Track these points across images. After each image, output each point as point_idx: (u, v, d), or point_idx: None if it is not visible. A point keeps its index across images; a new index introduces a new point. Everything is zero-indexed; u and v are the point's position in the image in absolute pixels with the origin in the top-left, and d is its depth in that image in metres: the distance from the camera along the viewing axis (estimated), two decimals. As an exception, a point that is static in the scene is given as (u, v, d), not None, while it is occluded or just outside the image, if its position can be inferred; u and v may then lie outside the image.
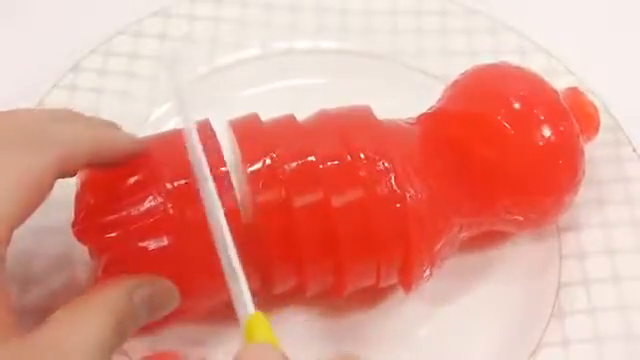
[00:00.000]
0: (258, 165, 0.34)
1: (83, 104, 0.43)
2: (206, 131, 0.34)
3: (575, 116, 0.37)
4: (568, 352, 0.36)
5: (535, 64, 0.43)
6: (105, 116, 0.42)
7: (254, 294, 0.35)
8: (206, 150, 0.29)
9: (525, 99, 0.36)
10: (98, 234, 0.32)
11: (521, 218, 0.37)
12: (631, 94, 0.44)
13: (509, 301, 0.38)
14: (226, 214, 0.28)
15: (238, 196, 0.36)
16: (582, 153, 0.37)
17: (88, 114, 0.41)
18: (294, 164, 0.34)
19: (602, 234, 0.39)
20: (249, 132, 0.35)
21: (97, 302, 0.29)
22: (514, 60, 0.42)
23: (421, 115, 0.38)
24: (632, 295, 0.37)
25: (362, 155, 0.34)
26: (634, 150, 0.41)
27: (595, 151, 0.41)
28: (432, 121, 0.38)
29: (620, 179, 0.41)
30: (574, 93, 0.39)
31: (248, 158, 0.34)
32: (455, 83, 0.39)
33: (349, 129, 0.35)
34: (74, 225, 0.32)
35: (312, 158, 0.34)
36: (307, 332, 0.37)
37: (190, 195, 0.32)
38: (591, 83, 0.43)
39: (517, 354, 0.36)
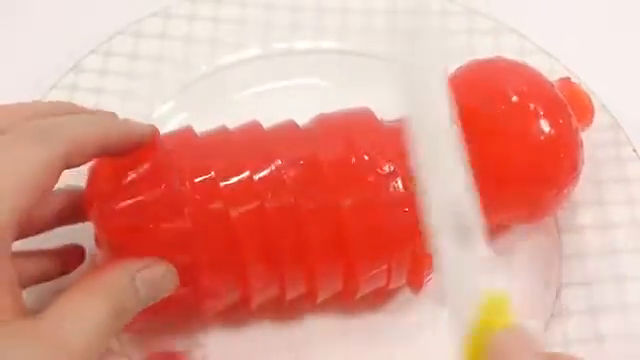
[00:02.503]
0: (265, 172, 0.34)
1: (83, 104, 0.42)
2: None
3: (569, 106, 0.37)
4: (568, 352, 0.36)
5: (535, 64, 0.43)
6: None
7: (268, 301, 0.36)
8: None
9: (522, 93, 0.36)
10: (120, 220, 0.32)
11: (521, 212, 0.37)
12: (631, 94, 0.44)
13: (515, 294, 0.38)
14: None
15: None
16: (581, 145, 0.37)
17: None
18: (300, 170, 0.34)
19: (602, 234, 0.39)
20: (250, 140, 0.35)
21: (97, 286, 0.29)
22: (514, 60, 0.42)
23: (420, 114, 0.38)
24: (633, 295, 0.37)
25: (367, 158, 0.34)
26: (634, 150, 0.41)
27: (595, 151, 0.41)
28: None
29: (620, 179, 0.41)
30: (567, 83, 0.39)
31: (253, 166, 0.34)
32: (452, 79, 0.38)
33: (352, 132, 0.35)
34: (92, 213, 0.32)
35: (318, 163, 0.34)
36: (317, 334, 0.37)
37: (208, 186, 0.33)
38: (591, 83, 0.43)
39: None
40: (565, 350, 0.36)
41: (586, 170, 0.38)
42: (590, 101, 0.39)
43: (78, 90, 0.43)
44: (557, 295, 0.38)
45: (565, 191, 0.37)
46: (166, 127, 0.42)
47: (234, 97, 0.45)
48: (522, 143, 0.36)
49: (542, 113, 0.36)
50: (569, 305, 0.37)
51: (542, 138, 0.36)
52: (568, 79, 0.40)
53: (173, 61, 0.45)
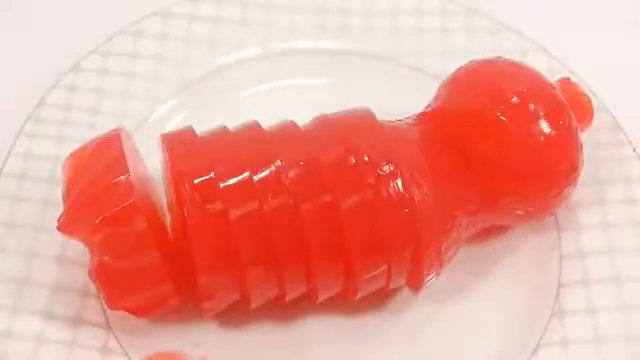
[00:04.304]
0: (264, 173, 0.34)
1: (83, 104, 0.43)
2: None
3: (569, 107, 0.37)
4: (568, 352, 0.36)
5: (535, 64, 0.43)
6: (105, 116, 0.42)
7: (268, 302, 0.36)
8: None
9: (523, 94, 0.36)
10: (79, 225, 0.33)
11: (521, 212, 0.37)
12: (631, 94, 0.44)
13: (509, 301, 0.38)
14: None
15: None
16: (581, 145, 0.37)
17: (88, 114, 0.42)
18: (300, 170, 0.34)
19: (602, 234, 0.39)
20: (249, 141, 0.35)
21: None
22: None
23: (420, 114, 0.38)
24: (632, 295, 0.37)
25: (367, 159, 0.34)
26: (634, 150, 0.41)
27: (595, 151, 0.41)
28: (432, 120, 0.38)
29: (620, 179, 0.41)
30: (566, 84, 0.39)
31: (252, 167, 0.34)
32: (452, 80, 0.39)
33: (352, 133, 0.35)
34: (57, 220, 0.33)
35: (317, 165, 0.34)
36: (317, 334, 0.37)
37: (208, 186, 0.33)
38: (591, 83, 0.43)
39: (517, 354, 0.36)
40: (564, 350, 0.36)
41: (586, 170, 0.38)
42: (590, 101, 0.39)
43: (78, 90, 0.43)
44: (557, 295, 0.38)
45: (565, 192, 0.37)
46: (166, 127, 0.42)
47: (234, 97, 0.45)
48: (522, 144, 0.36)
49: (542, 114, 0.36)
50: (569, 305, 0.37)
51: (542, 139, 0.36)
52: (568, 79, 0.40)
53: (173, 61, 0.45)
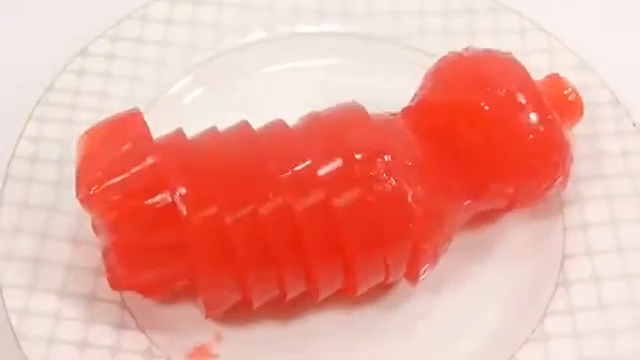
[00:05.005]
0: (258, 174, 0.34)
1: (91, 89, 0.43)
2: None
3: (558, 103, 0.37)
4: (575, 319, 0.37)
5: (536, 44, 0.44)
6: (113, 100, 0.43)
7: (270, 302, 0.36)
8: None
9: (499, 83, 0.36)
10: (103, 198, 0.33)
11: (514, 198, 0.38)
12: (630, 69, 0.45)
13: (515, 273, 0.39)
14: None
15: None
16: (568, 143, 0.37)
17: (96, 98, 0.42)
18: (293, 170, 0.34)
19: (604, 206, 0.40)
20: (241, 142, 0.35)
21: None
22: (515, 40, 0.43)
23: (405, 108, 0.39)
24: (634, 264, 0.38)
25: (360, 155, 0.34)
26: (634, 124, 0.42)
27: (596, 126, 0.41)
28: (417, 113, 0.38)
29: (620, 153, 0.41)
30: (555, 80, 0.39)
31: (245, 170, 0.34)
32: (435, 72, 0.39)
33: (344, 129, 0.35)
34: (78, 194, 0.33)
35: (310, 162, 0.34)
36: (318, 329, 0.38)
37: (202, 190, 0.33)
38: (591, 59, 0.43)
39: (524, 322, 0.37)
40: (571, 318, 0.37)
41: (587, 144, 0.38)
42: (579, 98, 0.39)
43: (86, 74, 0.43)
44: (561, 266, 0.38)
45: (554, 188, 0.38)
46: (173, 110, 0.43)
47: (240, 81, 0.45)
48: (503, 131, 0.36)
49: (525, 103, 0.36)
50: (573, 275, 0.38)
51: (520, 126, 0.36)
52: (556, 75, 0.40)
53: (179, 45, 0.45)
